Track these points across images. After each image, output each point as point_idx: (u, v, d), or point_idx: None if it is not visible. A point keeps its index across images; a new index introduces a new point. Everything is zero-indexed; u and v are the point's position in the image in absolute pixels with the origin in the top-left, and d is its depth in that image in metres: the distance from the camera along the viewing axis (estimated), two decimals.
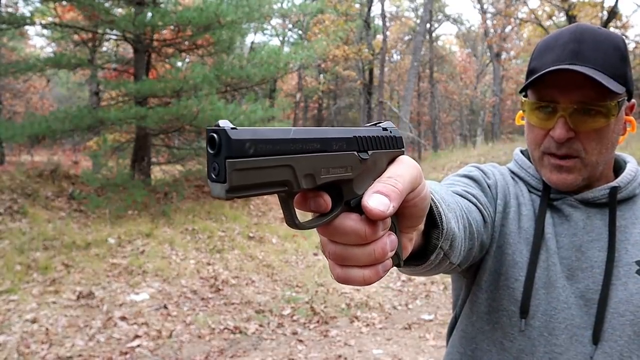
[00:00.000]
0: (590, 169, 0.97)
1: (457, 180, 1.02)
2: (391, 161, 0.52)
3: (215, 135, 0.39)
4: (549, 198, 1.02)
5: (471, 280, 1.05)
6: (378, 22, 24.34)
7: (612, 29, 16.79)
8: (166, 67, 11.10)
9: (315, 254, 7.51)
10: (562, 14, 16.91)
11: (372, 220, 0.46)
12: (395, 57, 30.15)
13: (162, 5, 9.81)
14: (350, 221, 0.46)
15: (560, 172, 0.98)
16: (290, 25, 24.21)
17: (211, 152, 0.39)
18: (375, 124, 0.54)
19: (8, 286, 5.19)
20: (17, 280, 5.36)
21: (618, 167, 1.07)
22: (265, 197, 9.42)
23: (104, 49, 14.23)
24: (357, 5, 21.25)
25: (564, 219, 1.00)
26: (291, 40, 24.27)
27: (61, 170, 9.88)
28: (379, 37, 23.63)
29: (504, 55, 26.39)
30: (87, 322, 4.61)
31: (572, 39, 0.94)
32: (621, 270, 0.94)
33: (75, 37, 11.59)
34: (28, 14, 9.92)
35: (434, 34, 28.39)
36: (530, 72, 1.00)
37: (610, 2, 16.75)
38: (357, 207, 0.47)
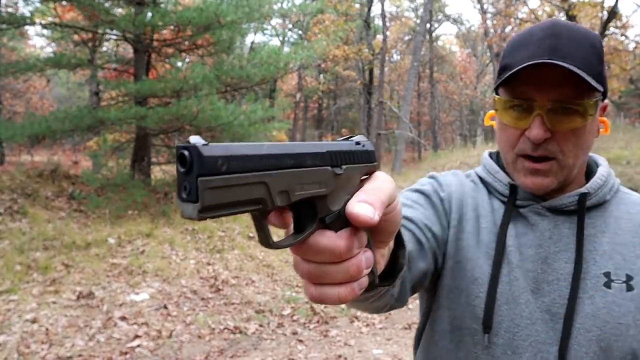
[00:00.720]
0: (567, 172, 0.92)
1: (407, 197, 0.98)
2: (364, 175, 0.51)
3: (186, 152, 0.36)
4: (515, 205, 0.97)
5: (430, 300, 1.01)
6: (378, 22, 24.37)
7: (612, 29, 16.80)
8: (166, 67, 11.10)
9: None
10: (562, 14, 16.91)
11: (348, 236, 0.45)
12: (395, 57, 30.19)
13: (162, 5, 9.81)
14: (325, 238, 0.45)
15: (535, 176, 0.92)
16: (290, 25, 24.25)
17: (182, 170, 0.36)
18: (348, 137, 0.53)
19: (8, 286, 5.19)
20: (17, 280, 5.36)
21: (589, 171, 1.01)
22: None
23: (104, 49, 14.23)
24: (357, 5, 21.28)
25: (528, 229, 0.95)
26: (291, 40, 24.32)
27: (61, 170, 9.88)
28: (379, 37, 23.65)
29: None
30: (87, 322, 4.61)
31: (548, 35, 0.88)
32: (588, 283, 0.89)
33: (75, 37, 11.59)
34: (28, 14, 9.90)
35: (434, 34, 28.42)
36: (502, 70, 0.93)
37: (610, 2, 16.74)
38: (332, 224, 0.46)
